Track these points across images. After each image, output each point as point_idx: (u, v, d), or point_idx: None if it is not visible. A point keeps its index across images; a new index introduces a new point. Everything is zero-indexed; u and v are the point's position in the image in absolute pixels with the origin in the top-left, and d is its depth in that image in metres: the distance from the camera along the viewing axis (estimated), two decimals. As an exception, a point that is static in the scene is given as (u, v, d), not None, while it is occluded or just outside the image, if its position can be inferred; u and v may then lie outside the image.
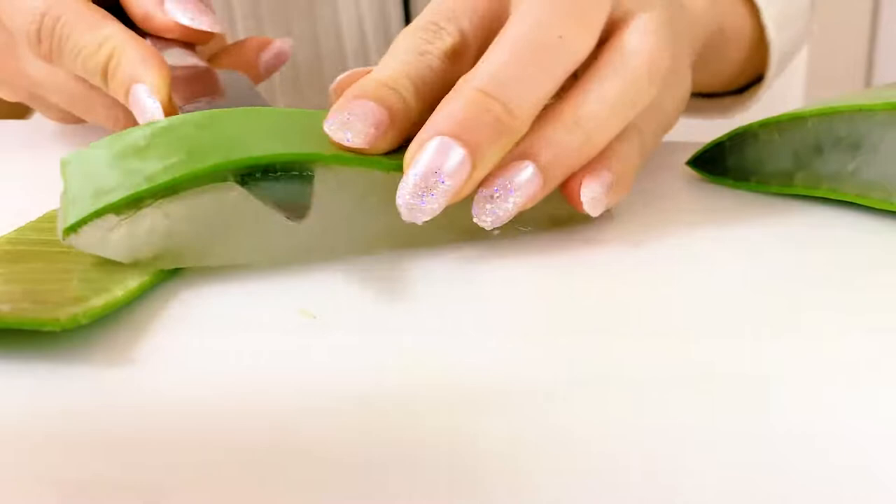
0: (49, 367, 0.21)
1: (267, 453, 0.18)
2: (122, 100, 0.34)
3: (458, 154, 0.24)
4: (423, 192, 0.24)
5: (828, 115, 0.31)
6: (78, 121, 0.42)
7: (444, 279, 0.26)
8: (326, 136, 0.26)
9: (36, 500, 0.17)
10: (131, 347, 0.22)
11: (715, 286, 0.25)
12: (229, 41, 0.41)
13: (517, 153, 0.26)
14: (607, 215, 0.31)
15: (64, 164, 0.26)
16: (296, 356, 0.22)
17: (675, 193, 0.34)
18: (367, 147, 0.26)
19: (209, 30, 0.36)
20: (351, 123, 0.26)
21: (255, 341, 0.22)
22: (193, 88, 0.34)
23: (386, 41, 0.55)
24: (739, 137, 0.34)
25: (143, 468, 0.17)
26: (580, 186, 0.27)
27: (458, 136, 0.24)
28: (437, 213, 0.25)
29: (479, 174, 0.25)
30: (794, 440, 0.18)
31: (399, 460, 0.18)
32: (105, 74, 0.34)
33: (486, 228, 0.26)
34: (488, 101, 0.25)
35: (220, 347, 0.22)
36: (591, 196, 0.27)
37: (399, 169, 0.26)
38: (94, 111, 0.38)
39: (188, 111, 0.30)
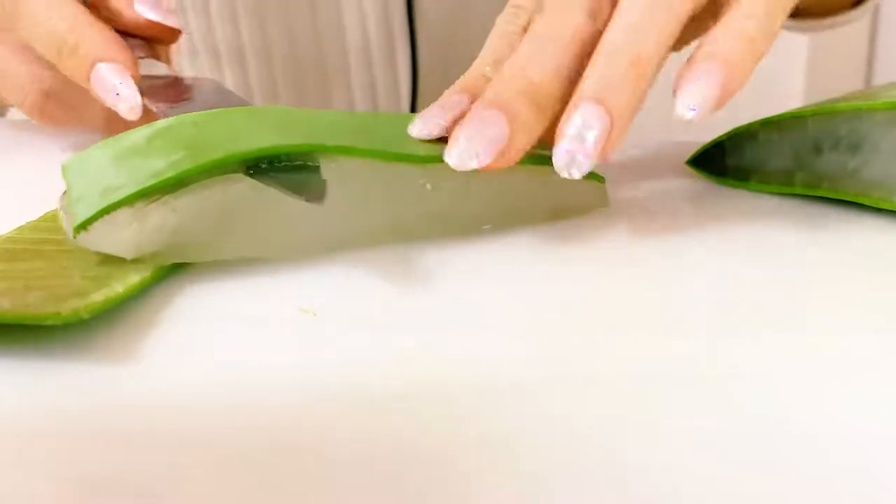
0: (50, 364, 0.21)
1: (267, 452, 0.18)
2: (79, 79, 0.34)
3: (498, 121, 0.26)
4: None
5: (828, 115, 0.31)
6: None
7: (443, 276, 0.26)
8: (326, 130, 0.26)
9: (35, 498, 0.17)
10: (131, 345, 0.22)
11: (714, 286, 0.25)
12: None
13: (570, 103, 0.27)
14: (604, 203, 0.31)
15: (66, 169, 0.26)
16: (295, 354, 0.22)
17: (675, 193, 0.34)
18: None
19: (175, 27, 0.37)
20: (433, 115, 0.28)
21: (255, 339, 0.22)
22: (168, 95, 0.34)
23: (388, 37, 0.55)
24: (739, 137, 0.34)
25: (142, 465, 0.17)
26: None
27: (492, 105, 0.26)
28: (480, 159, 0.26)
29: (519, 140, 0.26)
30: (794, 440, 0.18)
31: (400, 458, 0.17)
32: (60, 50, 0.34)
33: (576, 178, 0.26)
34: (516, 78, 0.27)
35: (220, 345, 0.22)
36: (686, 106, 0.26)
37: (401, 159, 0.26)
38: (9, 83, 0.37)
39: (169, 115, 0.30)
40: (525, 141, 0.26)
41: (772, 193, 0.33)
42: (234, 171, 0.25)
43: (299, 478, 0.17)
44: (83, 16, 0.34)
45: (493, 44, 0.32)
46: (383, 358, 0.21)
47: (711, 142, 0.35)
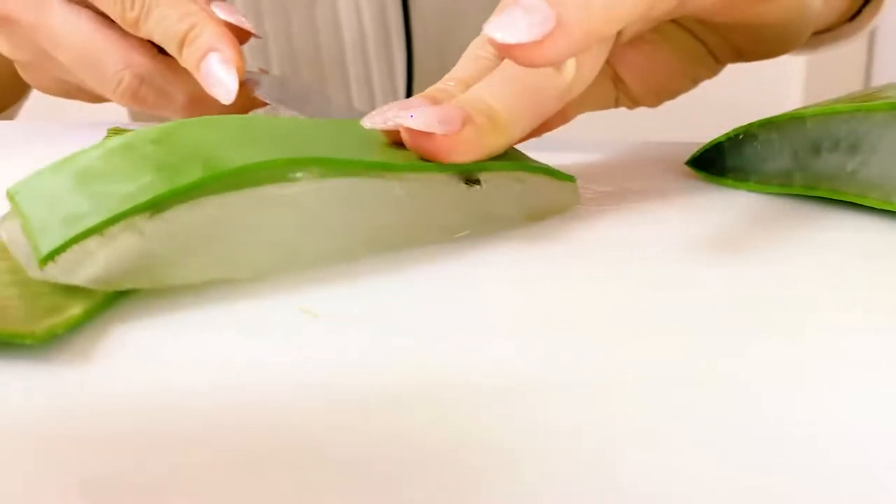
0: (45, 364, 0.21)
1: (267, 452, 0.18)
2: (192, 68, 0.38)
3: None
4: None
5: (827, 116, 0.31)
6: (64, 93, 0.46)
7: (443, 278, 0.26)
8: (295, 142, 0.26)
9: (33, 500, 0.17)
10: (129, 345, 0.22)
11: (713, 286, 0.25)
12: None
13: None
14: (576, 201, 0.31)
15: (12, 195, 0.25)
16: (295, 354, 0.22)
17: (674, 193, 0.34)
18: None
19: (249, 30, 0.41)
20: (389, 109, 0.28)
21: (255, 339, 0.22)
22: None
23: (384, 32, 0.56)
24: (739, 138, 0.34)
25: (142, 466, 0.17)
26: None
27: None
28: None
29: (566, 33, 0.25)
30: (794, 440, 0.18)
31: (400, 460, 0.18)
32: (182, 42, 0.39)
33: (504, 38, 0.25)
34: None
35: (219, 345, 0.22)
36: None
37: (381, 168, 0.26)
38: (101, 69, 0.41)
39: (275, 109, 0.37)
40: (570, 42, 0.25)
41: (771, 194, 0.33)
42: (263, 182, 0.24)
43: (299, 478, 0.17)
44: (204, 15, 0.39)
45: (463, 64, 0.32)
46: (383, 359, 0.21)
47: (711, 142, 0.35)
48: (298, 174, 0.25)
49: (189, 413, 0.19)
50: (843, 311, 0.24)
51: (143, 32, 0.40)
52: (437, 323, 0.23)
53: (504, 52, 0.25)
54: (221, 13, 0.40)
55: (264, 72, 0.43)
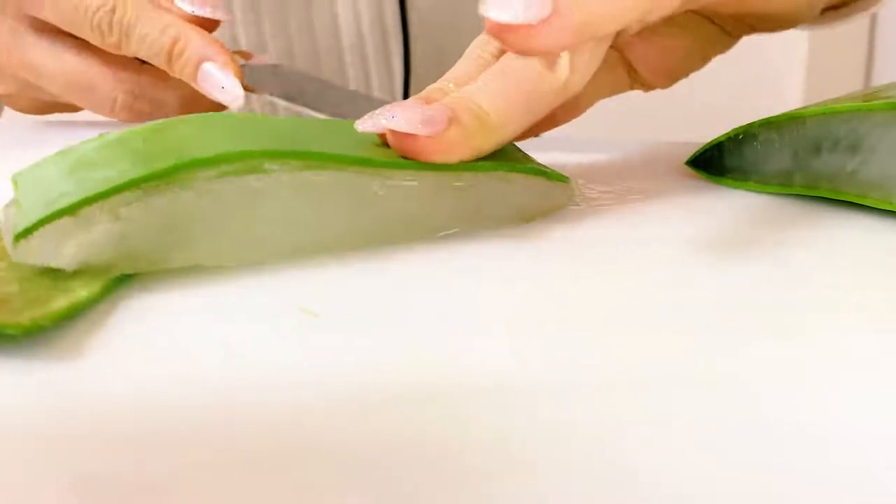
0: (41, 362, 0.21)
1: (267, 453, 0.18)
2: (188, 79, 0.39)
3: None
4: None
5: (827, 116, 0.31)
6: (48, 111, 0.47)
7: (442, 277, 0.26)
8: (278, 137, 0.26)
9: (30, 499, 0.17)
10: (124, 344, 0.22)
11: (713, 285, 0.25)
12: (227, 36, 0.43)
13: None
14: (572, 201, 0.31)
15: (16, 180, 0.26)
16: (295, 354, 0.22)
17: (674, 193, 0.34)
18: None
19: (211, 17, 0.41)
20: (382, 112, 0.28)
21: (253, 339, 0.22)
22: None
23: (382, 36, 0.56)
24: (739, 137, 0.34)
25: (139, 465, 0.17)
26: None
27: None
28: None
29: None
30: (794, 440, 0.18)
31: (400, 460, 0.18)
32: (170, 55, 0.39)
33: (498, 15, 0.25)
34: None
35: (218, 344, 0.22)
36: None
37: (356, 163, 0.26)
38: (93, 94, 0.42)
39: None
40: (564, 30, 0.25)
41: (771, 194, 0.33)
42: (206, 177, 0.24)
43: (299, 478, 0.17)
44: (183, 24, 0.39)
45: (463, 65, 0.32)
46: (383, 358, 0.21)
47: (711, 142, 0.35)
48: (275, 166, 0.25)
49: (188, 412, 0.19)
50: (843, 311, 0.24)
51: (128, 53, 0.41)
52: (437, 322, 0.23)
53: (498, 33, 0.25)
54: (188, 6, 0.40)
55: (247, 55, 0.43)
